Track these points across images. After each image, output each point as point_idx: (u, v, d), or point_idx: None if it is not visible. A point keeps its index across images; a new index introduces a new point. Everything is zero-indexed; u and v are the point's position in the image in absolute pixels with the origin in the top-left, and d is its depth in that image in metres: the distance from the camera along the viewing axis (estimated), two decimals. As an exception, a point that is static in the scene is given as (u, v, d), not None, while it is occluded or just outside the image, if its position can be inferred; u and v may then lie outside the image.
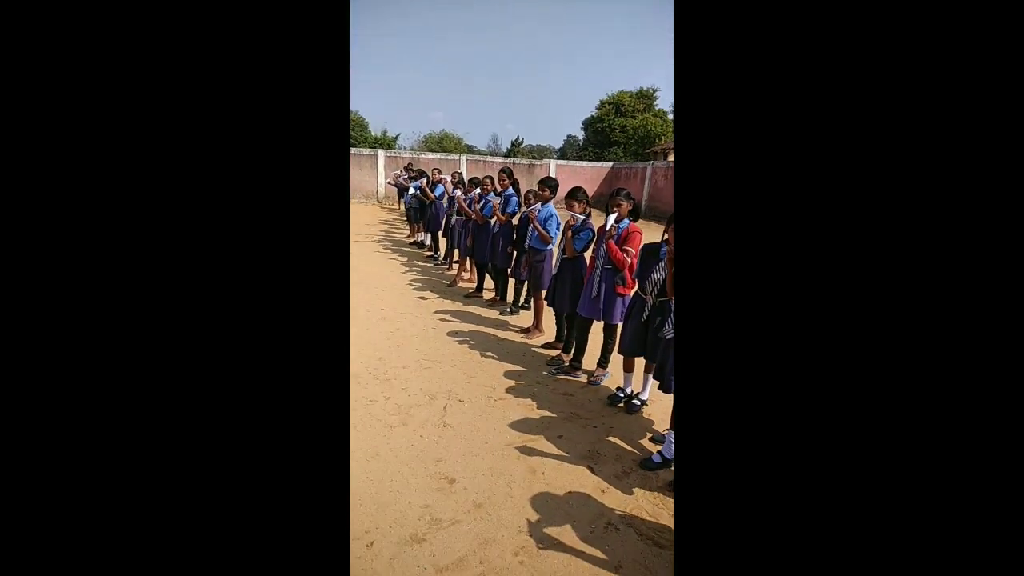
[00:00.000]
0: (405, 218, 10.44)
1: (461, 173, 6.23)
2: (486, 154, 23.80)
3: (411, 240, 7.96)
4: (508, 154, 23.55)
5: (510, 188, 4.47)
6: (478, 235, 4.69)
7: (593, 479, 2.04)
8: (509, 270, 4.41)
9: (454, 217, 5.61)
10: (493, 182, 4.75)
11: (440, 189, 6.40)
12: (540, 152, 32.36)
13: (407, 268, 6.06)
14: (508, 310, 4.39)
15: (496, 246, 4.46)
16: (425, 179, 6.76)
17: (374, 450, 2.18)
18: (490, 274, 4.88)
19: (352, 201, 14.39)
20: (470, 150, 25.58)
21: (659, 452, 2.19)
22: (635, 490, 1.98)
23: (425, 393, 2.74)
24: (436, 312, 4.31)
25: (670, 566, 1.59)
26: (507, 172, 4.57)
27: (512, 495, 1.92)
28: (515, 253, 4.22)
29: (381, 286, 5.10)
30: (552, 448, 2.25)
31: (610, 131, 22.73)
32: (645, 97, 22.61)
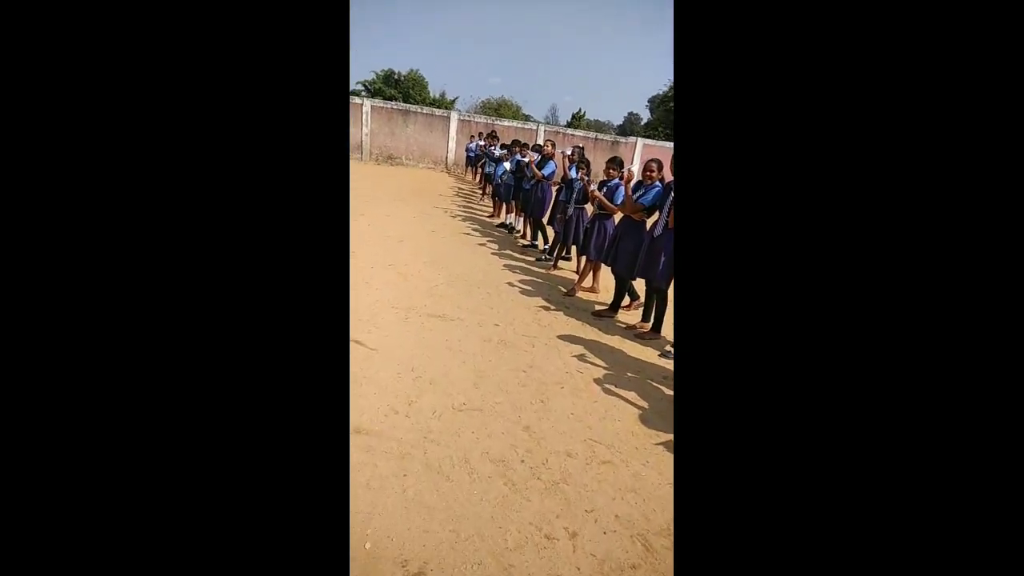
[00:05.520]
0: (480, 189, 9.38)
1: (581, 148, 4.98)
2: (567, 126, 21.97)
3: (498, 222, 6.87)
4: (568, 127, 21.76)
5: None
6: (627, 236, 3.50)
7: None
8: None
9: (571, 207, 4.43)
10: (620, 167, 3.80)
11: (552, 167, 5.20)
12: (598, 127, 30.21)
13: (505, 261, 4.97)
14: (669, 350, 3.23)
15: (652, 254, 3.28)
16: (531, 153, 5.56)
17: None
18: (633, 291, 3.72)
19: (420, 166, 13.45)
20: (526, 119, 23.94)
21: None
22: None
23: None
24: (563, 337, 3.20)
25: None
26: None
27: None
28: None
29: (484, 285, 4.04)
30: None
31: (687, 112, 20.49)
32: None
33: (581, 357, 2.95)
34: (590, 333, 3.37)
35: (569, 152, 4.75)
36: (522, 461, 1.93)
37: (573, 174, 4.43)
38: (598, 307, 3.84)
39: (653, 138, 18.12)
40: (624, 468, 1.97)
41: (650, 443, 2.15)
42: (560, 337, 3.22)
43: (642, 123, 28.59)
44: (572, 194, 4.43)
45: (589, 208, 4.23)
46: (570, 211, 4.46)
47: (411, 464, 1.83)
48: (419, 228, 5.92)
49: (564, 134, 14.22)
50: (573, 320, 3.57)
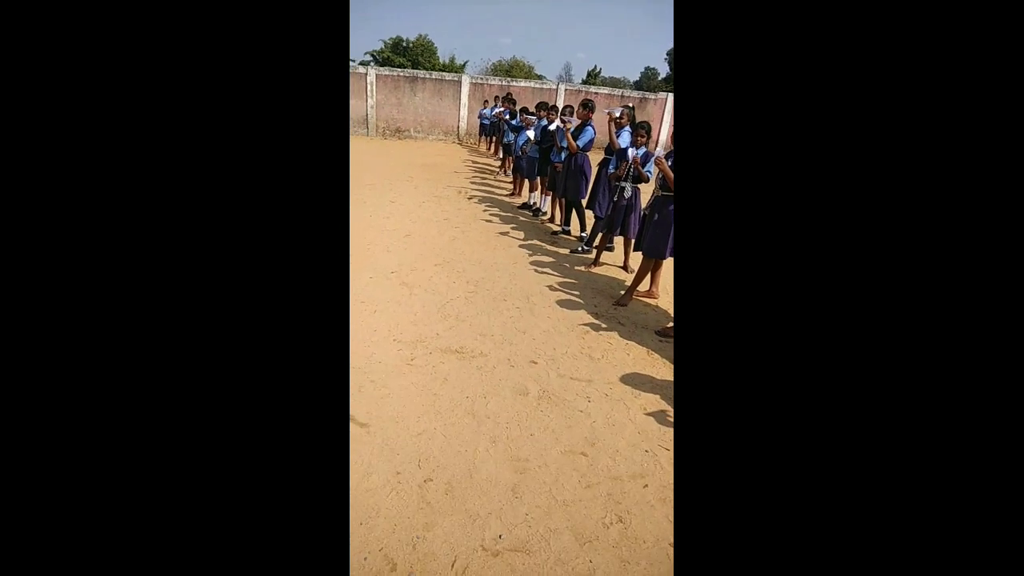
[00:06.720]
0: (499, 163, 8.31)
1: (631, 108, 3.90)
2: (584, 83, 20.18)
3: (520, 202, 5.88)
4: (585, 84, 20.00)
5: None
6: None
7: None
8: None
9: (628, 186, 3.43)
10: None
11: (589, 134, 4.15)
12: (614, 84, 28.27)
13: (534, 256, 4.03)
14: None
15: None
16: (561, 118, 4.50)
17: None
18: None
19: (430, 138, 12.37)
20: (540, 79, 22.25)
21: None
22: None
23: None
24: (627, 379, 2.31)
25: None
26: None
27: None
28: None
29: (512, 295, 3.15)
30: None
31: (714, 61, 18.51)
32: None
33: (660, 417, 2.07)
34: (661, 368, 2.47)
35: (617, 114, 3.69)
36: None
37: (624, 142, 3.40)
38: (668, 325, 2.92)
39: (684, 92, 16.34)
40: None
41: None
42: (623, 379, 2.33)
43: (660, 78, 26.53)
44: (628, 168, 3.42)
45: (647, 188, 3.24)
46: (628, 191, 3.46)
47: None
48: (429, 216, 5.02)
49: (584, 92, 12.80)
50: (634, 345, 2.67)
